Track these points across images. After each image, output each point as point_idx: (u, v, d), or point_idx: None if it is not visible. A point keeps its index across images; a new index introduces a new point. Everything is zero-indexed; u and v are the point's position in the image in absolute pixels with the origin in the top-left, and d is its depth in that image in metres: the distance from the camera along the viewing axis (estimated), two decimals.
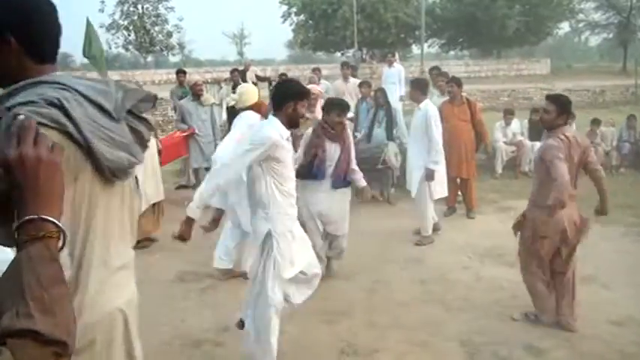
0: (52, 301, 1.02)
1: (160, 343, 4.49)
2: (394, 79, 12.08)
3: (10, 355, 0.94)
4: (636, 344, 4.27)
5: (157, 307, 5.14)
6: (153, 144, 6.68)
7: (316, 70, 12.13)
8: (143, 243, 6.60)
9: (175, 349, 4.40)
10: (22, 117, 1.19)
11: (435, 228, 6.94)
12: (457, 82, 7.66)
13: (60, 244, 1.13)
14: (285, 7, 43.40)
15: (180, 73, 11.33)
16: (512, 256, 6.04)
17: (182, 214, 7.27)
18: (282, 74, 12.58)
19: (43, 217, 1.11)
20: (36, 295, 1.01)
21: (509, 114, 10.96)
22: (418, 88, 6.83)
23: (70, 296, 1.09)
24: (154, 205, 6.84)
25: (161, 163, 6.87)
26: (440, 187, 6.85)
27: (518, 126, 10.85)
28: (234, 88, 9.78)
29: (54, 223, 1.12)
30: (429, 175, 6.56)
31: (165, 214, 7.01)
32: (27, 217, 1.10)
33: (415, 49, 47.93)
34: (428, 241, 6.76)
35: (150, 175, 6.67)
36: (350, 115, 9.77)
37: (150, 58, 53.12)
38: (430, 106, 6.72)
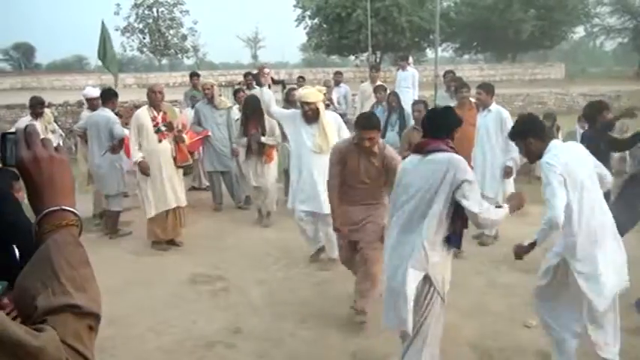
0: (82, 279, 1.13)
1: (172, 343, 4.52)
2: (408, 82, 12.03)
3: (49, 334, 1.00)
4: None
5: (169, 308, 5.17)
6: (167, 149, 6.71)
7: (338, 74, 12.21)
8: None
9: (187, 350, 4.41)
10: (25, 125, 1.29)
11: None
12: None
13: (79, 230, 1.24)
14: (299, 11, 43.49)
15: (194, 76, 11.37)
16: (528, 263, 6.01)
17: (197, 215, 7.37)
18: (300, 77, 12.58)
19: (64, 207, 1.22)
20: (68, 275, 1.11)
21: None
22: (491, 92, 7.00)
23: (94, 277, 1.19)
24: (174, 210, 6.87)
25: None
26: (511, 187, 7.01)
27: None
28: (235, 93, 9.76)
29: (73, 212, 1.23)
30: (509, 172, 6.81)
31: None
32: (50, 209, 1.20)
33: (429, 53, 47.78)
34: (492, 241, 6.88)
35: (166, 181, 6.68)
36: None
37: (165, 61, 53.46)
38: (501, 107, 7.05)
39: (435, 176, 3.31)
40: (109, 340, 4.60)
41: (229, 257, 6.51)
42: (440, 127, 3.50)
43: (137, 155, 6.63)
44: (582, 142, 4.53)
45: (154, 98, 6.66)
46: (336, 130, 6.14)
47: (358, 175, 4.63)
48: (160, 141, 6.63)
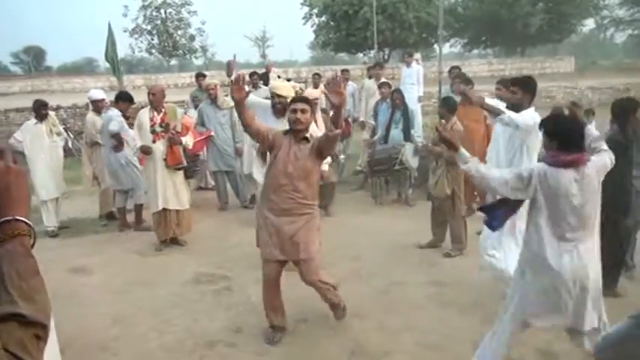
0: (31, 289, 1.16)
1: (173, 342, 4.56)
2: (413, 79, 12.00)
3: None
4: None
5: (172, 308, 5.21)
6: (160, 150, 6.74)
7: (345, 72, 12.17)
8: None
9: (188, 349, 4.45)
10: None
11: None
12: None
13: (31, 241, 1.27)
14: (306, 9, 43.50)
15: (200, 76, 11.40)
16: None
17: (203, 215, 7.42)
18: (316, 74, 12.52)
19: (17, 217, 1.25)
20: (16, 284, 1.14)
21: None
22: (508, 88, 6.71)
23: (44, 286, 1.21)
24: (176, 211, 6.90)
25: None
26: None
27: None
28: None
29: (26, 222, 1.26)
30: None
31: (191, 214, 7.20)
32: (3, 219, 1.24)
33: (438, 49, 47.72)
34: None
35: (159, 182, 6.73)
36: (372, 121, 9.80)
37: (174, 62, 53.67)
38: None
39: None
40: (113, 340, 4.66)
41: (233, 256, 6.53)
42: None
43: (137, 142, 6.78)
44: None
45: (150, 99, 6.80)
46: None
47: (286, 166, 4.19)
48: (154, 141, 6.70)
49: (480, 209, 3.95)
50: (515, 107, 5.10)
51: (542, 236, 3.39)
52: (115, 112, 7.43)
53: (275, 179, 4.22)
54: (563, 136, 3.38)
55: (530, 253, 3.50)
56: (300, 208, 4.26)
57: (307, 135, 4.25)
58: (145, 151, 6.69)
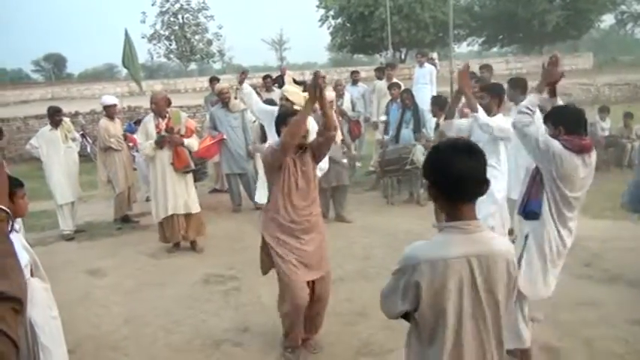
0: (6, 268, 1.24)
1: (181, 342, 4.64)
2: (426, 79, 11.99)
3: None
4: None
5: (181, 308, 5.29)
6: (167, 155, 6.78)
7: (355, 73, 12.24)
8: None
9: (195, 349, 4.53)
10: None
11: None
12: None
13: (9, 227, 1.36)
14: (322, 11, 43.64)
15: (214, 80, 11.55)
16: None
17: (217, 217, 7.47)
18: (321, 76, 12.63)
19: None
20: None
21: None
22: (517, 87, 6.32)
23: (20, 266, 1.31)
24: (185, 215, 6.94)
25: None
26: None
27: None
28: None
29: (4, 209, 1.34)
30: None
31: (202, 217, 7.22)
32: None
33: (456, 48, 47.57)
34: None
35: (169, 187, 6.80)
36: (382, 117, 9.83)
37: (194, 66, 54.07)
38: None
39: None
40: (123, 339, 4.76)
41: (244, 258, 6.57)
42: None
43: (147, 144, 6.76)
44: None
45: (153, 108, 6.88)
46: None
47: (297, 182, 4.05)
48: (161, 148, 6.74)
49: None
50: (487, 112, 5.10)
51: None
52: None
53: (289, 204, 4.00)
54: (570, 122, 3.60)
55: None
56: (317, 219, 4.17)
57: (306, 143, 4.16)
58: (162, 144, 6.71)
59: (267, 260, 4.28)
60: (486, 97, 5.20)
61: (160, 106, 6.83)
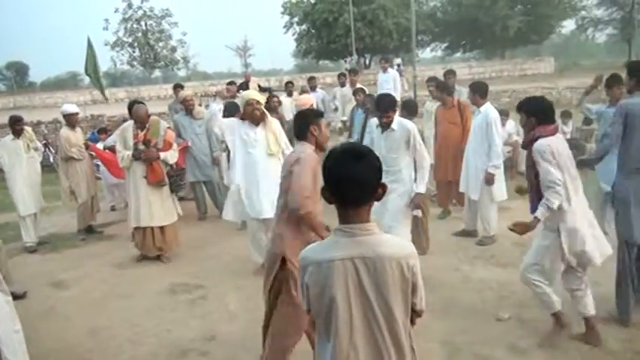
0: None
1: (147, 353, 4.60)
2: (390, 84, 12.13)
3: None
4: (621, 340, 4.24)
5: (147, 319, 5.24)
6: (141, 167, 6.68)
7: (311, 79, 12.27)
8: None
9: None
10: None
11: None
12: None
13: None
14: (287, 17, 43.73)
15: (178, 87, 11.46)
16: (505, 257, 6.10)
17: (183, 225, 7.38)
18: (289, 82, 12.64)
19: None
20: None
21: (503, 115, 10.92)
22: (478, 92, 6.68)
23: None
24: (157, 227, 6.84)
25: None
26: (500, 189, 6.73)
27: (513, 126, 10.82)
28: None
29: None
30: (489, 180, 6.51)
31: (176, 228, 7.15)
32: None
33: (420, 54, 48.12)
34: (491, 241, 6.67)
35: (143, 199, 6.71)
36: (344, 117, 9.91)
37: (158, 73, 53.63)
38: (491, 109, 6.61)
39: None
40: (88, 352, 4.70)
41: (210, 266, 6.58)
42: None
43: (125, 154, 6.62)
44: None
45: (134, 118, 6.73)
46: (280, 134, 6.09)
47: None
48: (137, 158, 6.65)
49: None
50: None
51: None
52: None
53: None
54: (542, 113, 4.07)
55: None
56: None
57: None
58: (135, 156, 6.60)
59: (276, 286, 3.75)
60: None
61: (143, 119, 6.70)
